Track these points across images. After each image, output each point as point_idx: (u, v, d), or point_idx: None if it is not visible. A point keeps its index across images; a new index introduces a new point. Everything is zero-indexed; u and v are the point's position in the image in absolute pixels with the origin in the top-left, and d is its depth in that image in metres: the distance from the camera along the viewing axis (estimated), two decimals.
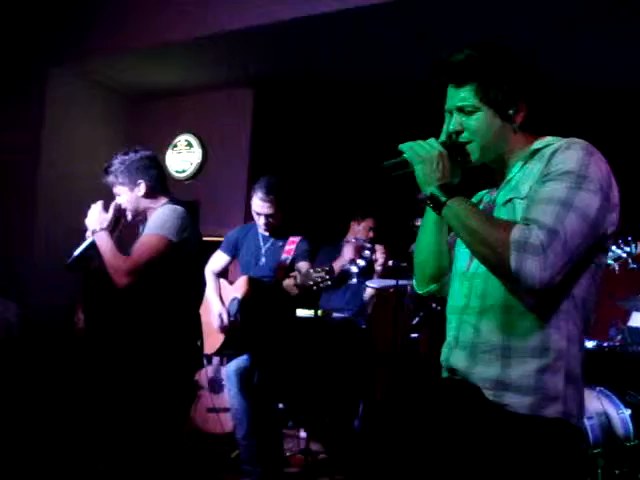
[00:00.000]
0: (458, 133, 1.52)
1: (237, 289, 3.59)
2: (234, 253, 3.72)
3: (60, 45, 5.43)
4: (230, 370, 3.57)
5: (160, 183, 2.70)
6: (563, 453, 1.38)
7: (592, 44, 4.34)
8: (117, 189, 2.68)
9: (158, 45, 5.07)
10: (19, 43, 5.51)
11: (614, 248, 2.90)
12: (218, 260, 3.75)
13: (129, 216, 2.69)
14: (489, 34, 3.91)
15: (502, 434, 1.38)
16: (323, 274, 3.04)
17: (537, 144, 1.51)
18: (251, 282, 3.52)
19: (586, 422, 3.42)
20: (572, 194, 1.33)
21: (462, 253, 1.59)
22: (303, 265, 3.43)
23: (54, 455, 3.77)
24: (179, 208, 2.58)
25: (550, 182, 1.37)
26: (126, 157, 2.67)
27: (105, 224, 2.56)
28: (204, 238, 2.79)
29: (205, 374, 4.52)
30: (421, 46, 4.38)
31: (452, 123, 1.53)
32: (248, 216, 5.60)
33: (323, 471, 3.99)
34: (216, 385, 4.53)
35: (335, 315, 4.70)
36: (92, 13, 5.26)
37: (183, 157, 5.84)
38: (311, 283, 3.06)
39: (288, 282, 3.32)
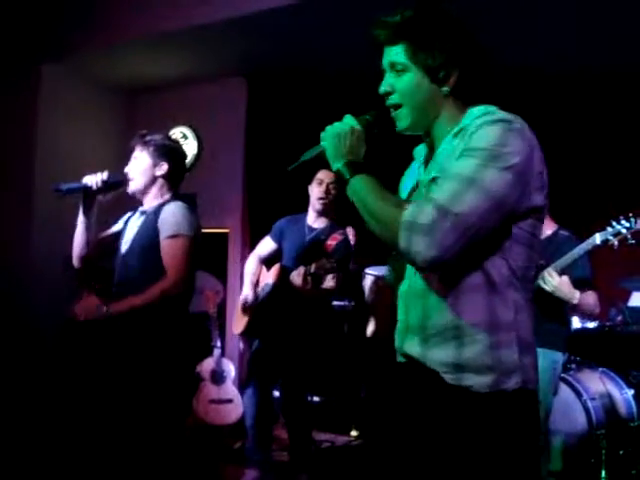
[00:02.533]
0: (388, 94, 1.49)
1: (270, 276, 3.61)
2: (280, 241, 3.67)
3: (53, 40, 5.38)
4: (250, 357, 3.64)
5: (177, 178, 2.70)
6: (523, 419, 1.40)
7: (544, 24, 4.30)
8: (139, 154, 2.64)
9: (150, 37, 5.02)
10: (11, 39, 5.47)
11: (614, 223, 2.89)
12: (265, 246, 3.73)
13: (131, 186, 2.64)
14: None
15: (466, 416, 1.37)
16: (334, 264, 3.14)
17: (466, 118, 1.45)
18: (283, 271, 3.53)
19: (589, 403, 3.44)
20: (479, 171, 1.31)
21: None
22: None
23: (54, 451, 3.78)
24: (186, 205, 2.59)
25: (462, 158, 1.35)
26: (168, 140, 2.71)
27: (105, 312, 2.46)
28: (202, 230, 2.78)
29: (207, 365, 4.52)
30: None
31: (383, 84, 1.50)
32: (245, 207, 5.61)
33: (326, 460, 4.01)
34: (218, 376, 4.54)
35: (335, 303, 4.72)
36: (83, 8, 5.21)
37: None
38: (322, 272, 3.16)
39: (295, 272, 3.37)
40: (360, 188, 1.43)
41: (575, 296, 2.91)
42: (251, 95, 5.66)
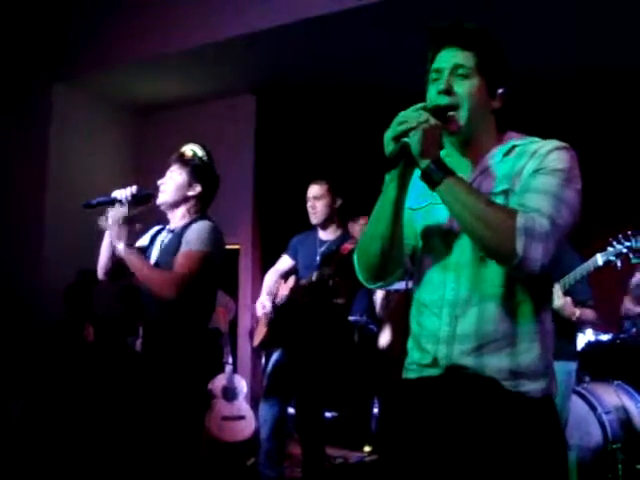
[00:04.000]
0: (447, 92, 1.49)
1: (287, 288, 3.65)
2: (296, 256, 3.74)
3: (64, 60, 5.46)
4: (268, 369, 3.64)
5: (207, 201, 2.76)
6: (557, 419, 1.51)
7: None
8: (177, 170, 2.69)
9: (159, 57, 5.08)
10: (24, 59, 5.55)
11: (614, 243, 2.89)
12: (282, 262, 3.81)
13: (162, 198, 2.68)
14: None
15: (524, 420, 1.43)
16: (331, 271, 3.22)
17: (514, 140, 1.54)
18: (298, 283, 3.58)
19: (604, 417, 3.40)
20: (562, 190, 1.41)
21: (439, 243, 1.55)
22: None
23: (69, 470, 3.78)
24: (213, 224, 2.63)
25: (543, 175, 1.43)
26: (207, 164, 2.76)
27: (128, 240, 2.50)
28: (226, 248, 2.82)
29: (219, 382, 4.52)
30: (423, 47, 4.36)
31: (442, 82, 1.50)
32: (255, 223, 5.63)
33: (339, 476, 3.98)
34: (230, 393, 4.53)
35: (351, 318, 4.71)
36: (94, 28, 5.29)
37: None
38: (322, 278, 3.21)
39: (303, 282, 3.46)
40: (459, 189, 1.40)
41: (575, 315, 3.05)
42: (260, 112, 5.70)
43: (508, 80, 1.57)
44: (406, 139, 1.40)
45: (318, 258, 3.56)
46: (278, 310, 3.60)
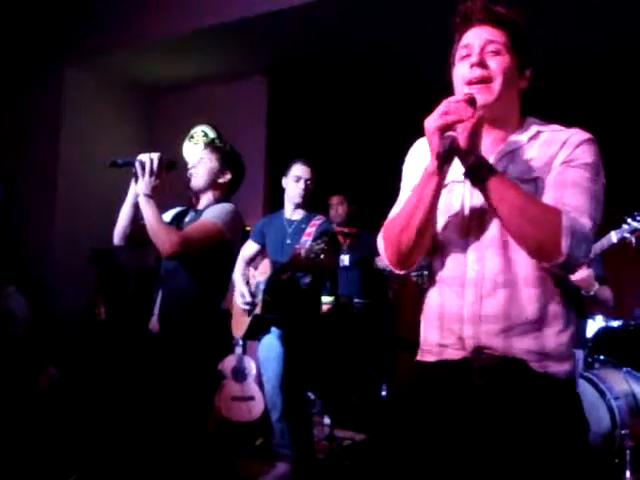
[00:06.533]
0: (480, 64, 1.50)
1: (261, 273, 3.64)
2: (262, 241, 3.77)
3: (76, 41, 5.46)
4: (262, 355, 3.64)
5: (233, 189, 2.83)
6: (580, 401, 1.53)
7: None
8: (209, 156, 2.76)
9: (170, 37, 5.07)
10: (36, 41, 5.55)
11: (629, 220, 2.85)
12: (248, 248, 3.82)
13: (193, 182, 2.76)
14: None
15: (552, 401, 1.45)
16: (323, 245, 3.21)
17: (536, 125, 1.55)
18: (273, 265, 3.57)
19: (613, 403, 3.39)
20: (593, 186, 1.45)
21: (460, 222, 1.54)
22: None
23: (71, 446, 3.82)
24: (235, 208, 2.68)
25: (576, 169, 1.45)
26: (237, 152, 2.85)
27: (152, 192, 2.53)
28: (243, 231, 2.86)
29: (229, 363, 4.55)
30: (441, 24, 4.32)
31: (474, 55, 1.51)
32: (267, 204, 5.62)
33: (348, 457, 4.01)
34: (240, 374, 4.56)
35: (356, 300, 4.73)
36: (103, 11, 5.28)
37: (200, 148, 5.83)
38: (312, 255, 3.21)
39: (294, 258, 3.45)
40: (504, 187, 1.41)
41: (594, 288, 2.94)
42: (272, 92, 5.67)
43: (532, 63, 1.57)
44: (453, 133, 1.39)
45: (289, 239, 3.59)
46: (269, 291, 3.57)
